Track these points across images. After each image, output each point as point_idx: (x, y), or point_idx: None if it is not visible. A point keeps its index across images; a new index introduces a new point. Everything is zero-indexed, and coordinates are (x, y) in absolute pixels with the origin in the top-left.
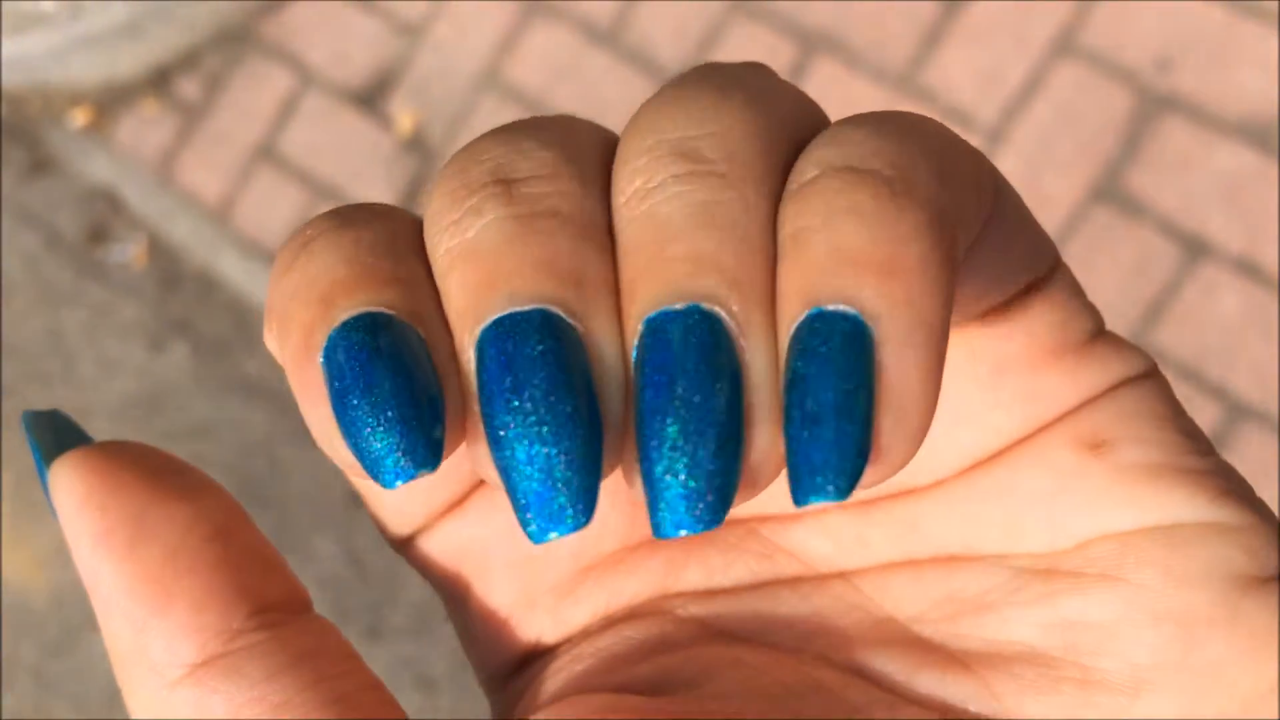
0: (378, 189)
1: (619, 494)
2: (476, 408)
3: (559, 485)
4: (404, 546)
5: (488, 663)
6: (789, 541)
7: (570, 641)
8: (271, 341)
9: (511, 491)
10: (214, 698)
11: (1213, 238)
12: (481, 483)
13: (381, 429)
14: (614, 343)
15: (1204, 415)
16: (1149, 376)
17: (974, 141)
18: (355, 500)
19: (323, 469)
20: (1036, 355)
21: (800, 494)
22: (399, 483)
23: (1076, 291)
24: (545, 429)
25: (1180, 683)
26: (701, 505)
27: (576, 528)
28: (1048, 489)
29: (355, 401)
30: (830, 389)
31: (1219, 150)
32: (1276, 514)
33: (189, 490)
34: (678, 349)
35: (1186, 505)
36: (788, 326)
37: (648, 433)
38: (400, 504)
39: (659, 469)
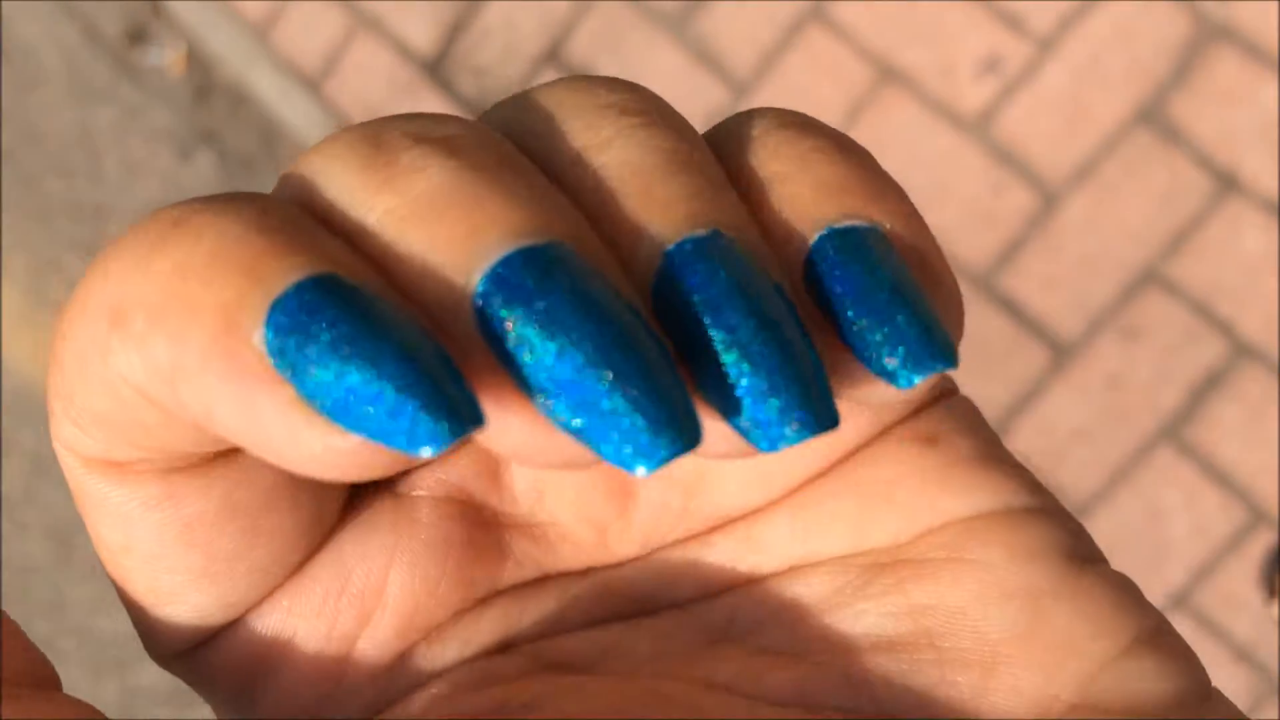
0: (423, 20)
1: (449, 559)
2: (487, 371)
3: (663, 414)
4: (180, 660)
5: (165, 637)
6: (622, 581)
7: (400, 700)
8: (75, 426)
9: (597, 441)
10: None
11: (1245, 175)
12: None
13: (407, 391)
14: (621, 273)
15: (1207, 350)
16: (954, 392)
17: (1021, 48)
18: None
19: None
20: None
21: (911, 371)
22: (444, 447)
23: None
24: (615, 366)
25: (1033, 654)
26: (815, 405)
27: (690, 446)
28: (888, 481)
29: (349, 370)
30: (886, 281)
31: (1265, 87)
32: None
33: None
34: (723, 270)
35: (1016, 492)
36: (796, 248)
37: (727, 357)
38: (178, 615)
39: (754, 388)
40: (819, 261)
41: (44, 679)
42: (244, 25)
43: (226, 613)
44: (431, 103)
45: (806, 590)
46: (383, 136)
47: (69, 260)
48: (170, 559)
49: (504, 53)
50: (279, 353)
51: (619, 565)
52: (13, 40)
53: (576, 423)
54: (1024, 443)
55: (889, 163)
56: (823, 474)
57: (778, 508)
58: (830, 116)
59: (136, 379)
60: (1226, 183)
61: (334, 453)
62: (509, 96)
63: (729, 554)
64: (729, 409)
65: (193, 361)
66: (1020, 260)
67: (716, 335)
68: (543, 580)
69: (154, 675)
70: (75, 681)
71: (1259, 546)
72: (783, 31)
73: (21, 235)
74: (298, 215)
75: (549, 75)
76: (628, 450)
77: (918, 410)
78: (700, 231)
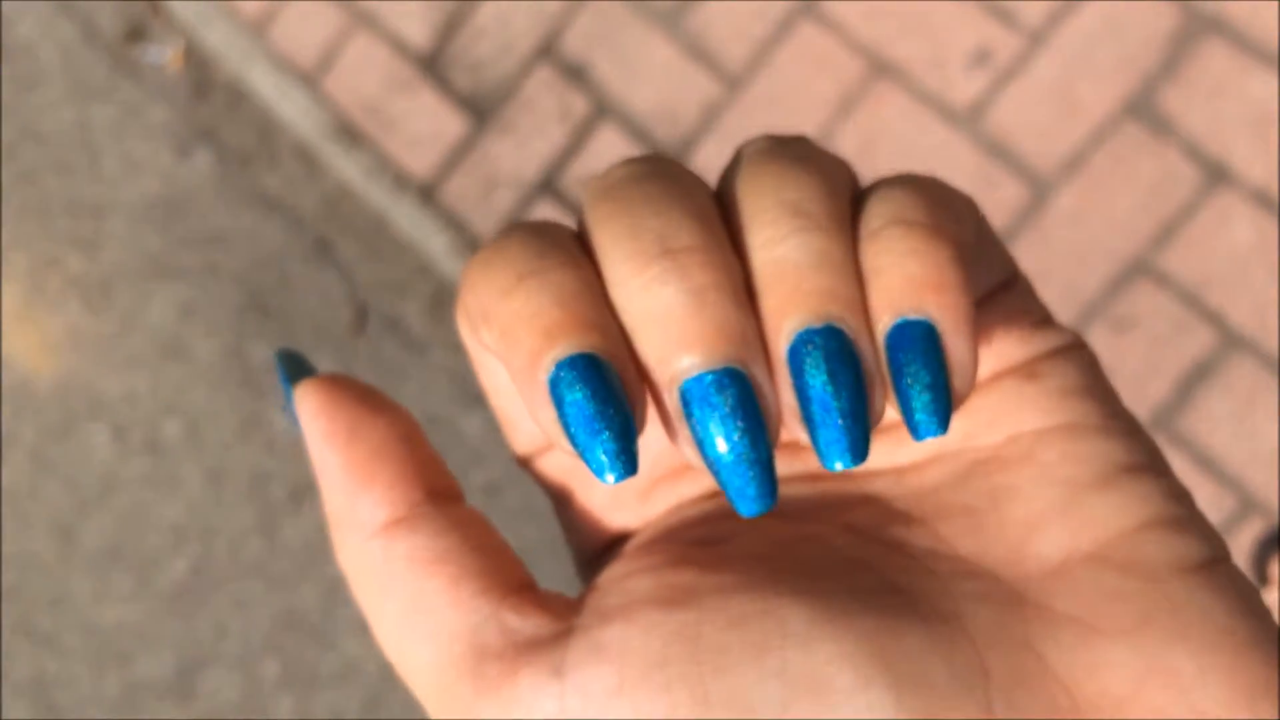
0: (418, 17)
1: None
2: (679, 426)
3: (753, 476)
4: (524, 462)
5: (585, 549)
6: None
7: (645, 526)
8: (471, 334)
9: (723, 485)
10: (399, 545)
11: (1235, 166)
12: None
13: (599, 449)
14: (769, 381)
15: (1196, 340)
16: (1080, 348)
17: (1011, 41)
18: (358, 326)
19: (331, 291)
20: (1006, 330)
21: (920, 435)
22: (614, 483)
23: (1032, 291)
24: (743, 456)
25: (1064, 521)
26: (857, 440)
27: (769, 506)
28: (994, 405)
29: (578, 421)
30: (925, 368)
31: (1255, 79)
32: (1277, 449)
33: (384, 408)
34: (824, 351)
35: (1088, 413)
36: (881, 330)
37: (814, 412)
38: (523, 427)
39: (824, 432)
40: (892, 339)
41: (460, 495)
42: (241, 23)
43: (544, 439)
44: (428, 99)
45: (924, 477)
46: (641, 240)
47: (68, 257)
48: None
49: (499, 49)
50: (553, 389)
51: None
52: (11, 39)
53: (714, 466)
54: None
55: (880, 156)
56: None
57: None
58: (822, 110)
59: (491, 352)
60: (1216, 174)
61: (569, 455)
62: (738, 160)
63: (882, 454)
64: (812, 437)
65: (514, 373)
66: (1011, 251)
67: (811, 393)
68: None
69: (156, 668)
70: (77, 676)
71: (1249, 535)
72: (774, 26)
73: (21, 232)
74: (588, 291)
75: (544, 72)
76: (740, 501)
77: (1036, 359)
78: (816, 324)
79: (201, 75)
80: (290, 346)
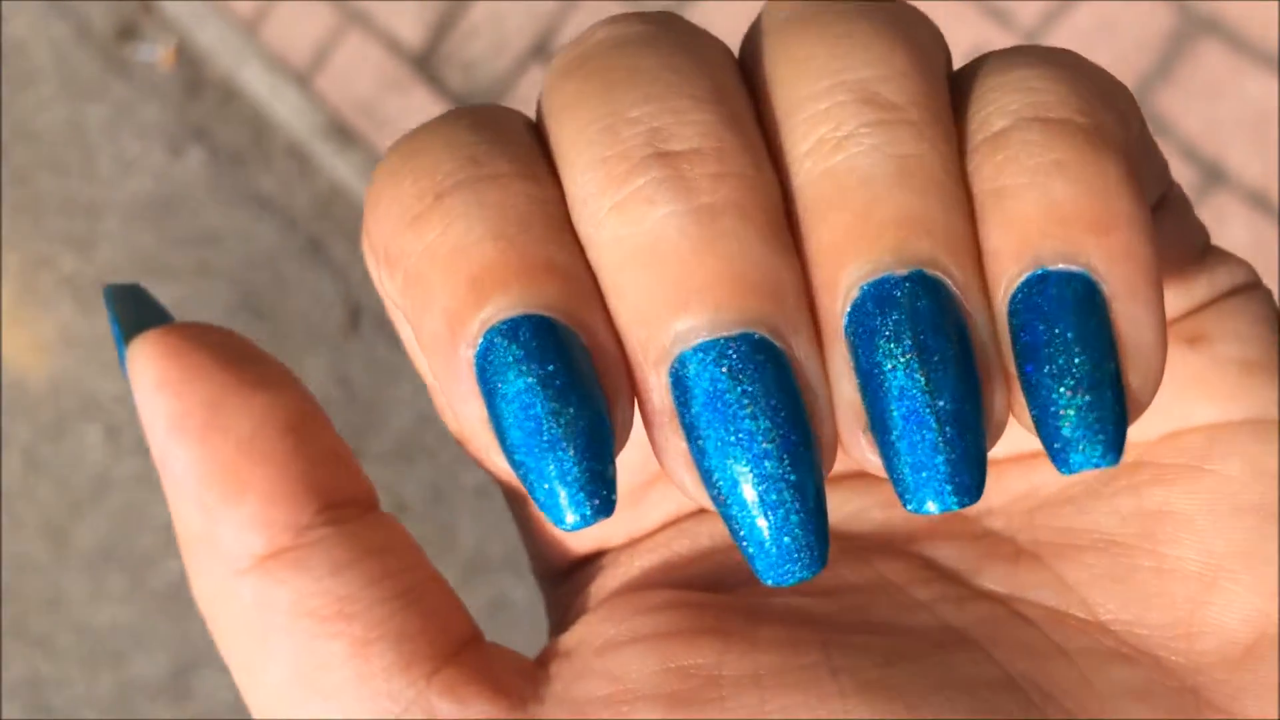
0: (411, 16)
1: None
2: (669, 432)
3: (789, 521)
4: (464, 441)
5: (548, 558)
6: None
7: (632, 544)
8: (385, 281)
9: (739, 535)
10: (280, 589)
11: (1231, 167)
12: None
13: (553, 470)
14: (816, 359)
15: None
16: (1254, 286)
17: (1007, 42)
18: (351, 325)
19: (324, 290)
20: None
21: (1071, 466)
22: (575, 529)
23: (1189, 207)
24: (773, 485)
25: (1256, 575)
26: (959, 478)
27: (813, 571)
28: None
29: (520, 429)
30: (1081, 356)
31: (1250, 80)
32: None
33: (266, 381)
34: (910, 316)
35: (1275, 403)
36: (1005, 286)
37: (891, 416)
38: None
39: (909, 453)
40: (1022, 301)
41: (370, 501)
42: (234, 21)
43: None
44: (421, 98)
45: (1042, 481)
46: (620, 133)
47: (61, 256)
48: None
49: (492, 48)
50: (481, 372)
51: None
52: (4, 37)
53: (724, 500)
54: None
55: None
56: None
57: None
58: None
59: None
60: (1212, 175)
61: (503, 474)
62: (769, 22)
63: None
64: (886, 459)
65: (425, 340)
66: None
67: (887, 384)
68: None
69: (150, 669)
70: (71, 676)
71: None
72: None
73: (14, 231)
74: (541, 211)
75: (537, 71)
76: (765, 562)
77: (1201, 306)
78: (900, 271)
79: (194, 74)
80: (132, 282)
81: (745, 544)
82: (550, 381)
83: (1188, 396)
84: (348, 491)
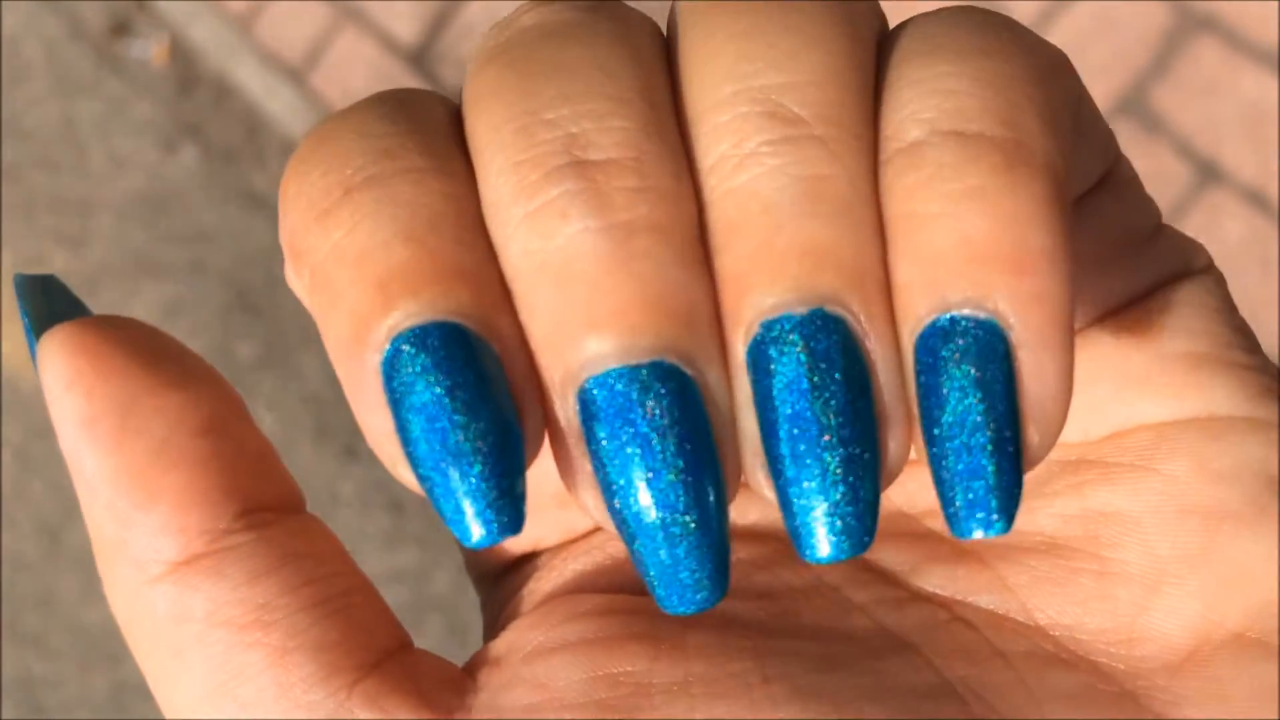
0: (406, 13)
1: None
2: (576, 454)
3: (693, 548)
4: None
5: (482, 559)
6: None
7: (568, 545)
8: (293, 278)
9: (641, 561)
10: (194, 596)
11: (1226, 164)
12: None
13: (460, 484)
14: (725, 387)
15: None
16: (1205, 271)
17: None
18: None
19: None
20: (1103, 253)
21: (964, 530)
22: (481, 545)
23: (1137, 184)
24: (678, 515)
25: (1200, 579)
26: (847, 525)
27: (713, 602)
28: (1085, 377)
29: (426, 440)
30: (978, 414)
31: (1246, 77)
32: None
33: (183, 378)
34: (808, 355)
35: (1227, 399)
36: (911, 326)
37: (782, 455)
38: None
39: (796, 496)
40: (926, 347)
41: (294, 502)
42: (227, 18)
43: None
44: None
45: None
46: (535, 135)
47: (53, 254)
48: None
49: None
50: (389, 381)
51: None
52: None
53: (626, 527)
54: None
55: None
56: None
57: None
58: None
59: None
60: (1208, 172)
61: (412, 486)
62: (682, 7)
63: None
64: (779, 497)
65: (330, 344)
66: None
67: (780, 424)
68: None
69: None
70: (64, 676)
71: None
72: None
73: (5, 229)
74: (454, 211)
75: None
76: (666, 590)
77: (1148, 291)
78: (799, 310)
79: (187, 71)
80: (46, 273)
81: (646, 572)
82: (459, 393)
83: (1134, 394)
84: (269, 494)
